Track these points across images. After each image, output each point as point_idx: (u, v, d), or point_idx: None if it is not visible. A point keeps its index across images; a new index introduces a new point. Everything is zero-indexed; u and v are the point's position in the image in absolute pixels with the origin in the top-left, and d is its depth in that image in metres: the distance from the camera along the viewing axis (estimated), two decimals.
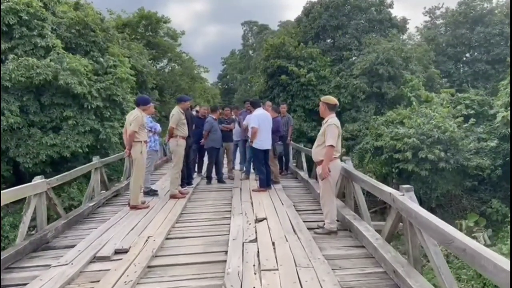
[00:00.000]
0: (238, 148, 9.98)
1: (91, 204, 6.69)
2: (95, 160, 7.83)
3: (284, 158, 9.77)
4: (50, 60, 13.27)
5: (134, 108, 7.34)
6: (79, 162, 13.45)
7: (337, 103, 5.01)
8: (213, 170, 8.85)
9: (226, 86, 52.60)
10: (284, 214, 5.74)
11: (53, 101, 13.79)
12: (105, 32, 15.92)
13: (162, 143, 8.46)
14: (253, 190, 7.51)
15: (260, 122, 7.40)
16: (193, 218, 5.91)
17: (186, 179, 8.04)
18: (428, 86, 18.19)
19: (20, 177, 14.77)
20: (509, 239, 9.84)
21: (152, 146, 7.62)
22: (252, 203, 6.56)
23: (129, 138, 6.35)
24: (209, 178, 8.74)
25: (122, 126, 10.28)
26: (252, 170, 8.92)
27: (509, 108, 12.86)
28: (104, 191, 8.04)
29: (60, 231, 5.41)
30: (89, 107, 14.45)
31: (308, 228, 5.02)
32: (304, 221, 5.38)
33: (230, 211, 6.13)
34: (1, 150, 12.87)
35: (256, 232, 4.87)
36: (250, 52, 49.55)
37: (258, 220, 5.42)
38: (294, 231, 4.92)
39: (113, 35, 16.49)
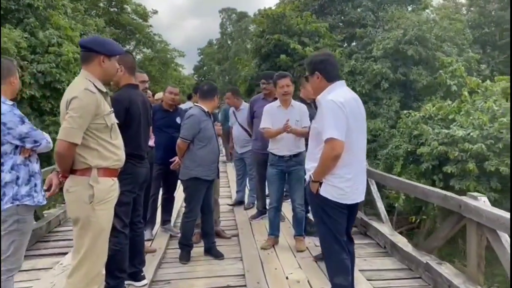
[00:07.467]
0: (244, 170, 6.31)
1: None
2: None
3: None
4: None
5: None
6: None
7: None
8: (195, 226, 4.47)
9: (203, 78, 51.23)
10: None
11: None
12: None
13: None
14: None
15: (351, 122, 2.70)
16: None
17: (123, 272, 3.25)
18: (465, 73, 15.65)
19: None
20: None
21: (23, 194, 2.70)
22: None
23: None
24: (186, 247, 4.23)
25: None
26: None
27: None
28: None
29: None
30: (21, 96, 11.44)
31: None
32: None
33: None
34: None
35: None
36: (229, 42, 48.42)
37: None
38: None
39: (58, 0, 13.27)
